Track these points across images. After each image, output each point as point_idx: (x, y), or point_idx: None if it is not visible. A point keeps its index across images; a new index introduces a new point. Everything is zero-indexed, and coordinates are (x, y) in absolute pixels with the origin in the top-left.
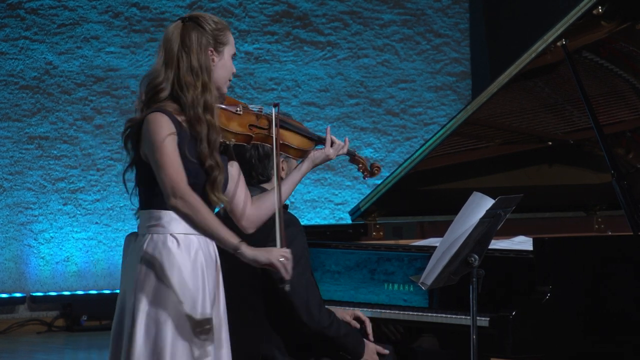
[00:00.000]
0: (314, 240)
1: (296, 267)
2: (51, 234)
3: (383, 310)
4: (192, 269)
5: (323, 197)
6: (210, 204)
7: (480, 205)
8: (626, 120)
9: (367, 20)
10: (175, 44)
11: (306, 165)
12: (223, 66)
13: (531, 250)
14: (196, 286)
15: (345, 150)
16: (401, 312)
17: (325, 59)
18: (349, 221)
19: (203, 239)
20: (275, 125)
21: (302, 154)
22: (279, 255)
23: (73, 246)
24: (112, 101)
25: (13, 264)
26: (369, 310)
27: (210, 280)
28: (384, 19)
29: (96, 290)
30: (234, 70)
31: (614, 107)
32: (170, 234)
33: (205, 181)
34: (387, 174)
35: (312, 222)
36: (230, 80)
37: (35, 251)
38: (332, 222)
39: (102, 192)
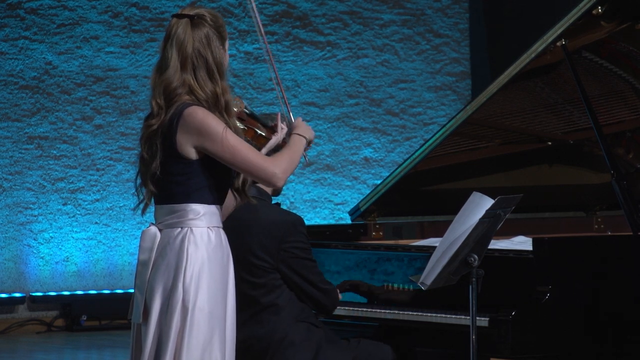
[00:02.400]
0: (314, 240)
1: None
2: (51, 234)
3: (383, 310)
4: (226, 260)
5: (323, 197)
6: (236, 198)
7: (480, 205)
8: (626, 120)
9: (367, 20)
10: (189, 44)
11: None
12: (224, 59)
13: (531, 250)
14: (227, 278)
15: (279, 118)
16: (401, 312)
17: (325, 59)
18: (349, 221)
19: (223, 232)
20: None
21: (265, 142)
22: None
23: (73, 246)
24: (112, 101)
25: (13, 264)
26: (369, 310)
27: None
28: (384, 19)
29: (96, 290)
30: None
31: (613, 107)
32: (208, 227)
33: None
34: (387, 174)
35: (312, 222)
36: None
37: (34, 251)
38: (332, 222)
39: (101, 192)
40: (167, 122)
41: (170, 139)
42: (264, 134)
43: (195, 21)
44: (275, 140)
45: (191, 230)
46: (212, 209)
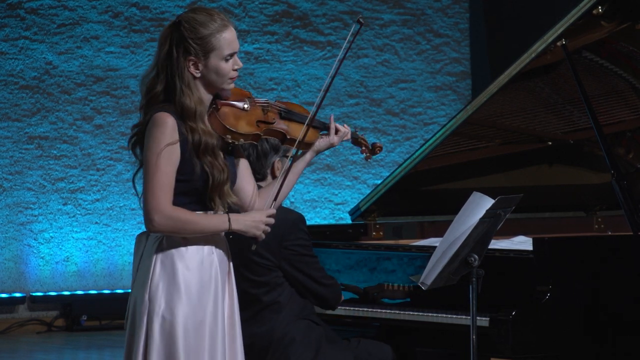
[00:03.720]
0: (314, 240)
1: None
2: (51, 234)
3: (383, 310)
4: (203, 267)
5: (323, 197)
6: (214, 205)
7: (480, 205)
8: (626, 120)
9: (367, 20)
10: (162, 48)
11: (310, 154)
12: (213, 71)
13: (531, 250)
14: (208, 284)
15: (349, 136)
16: (401, 312)
17: (325, 58)
18: (349, 221)
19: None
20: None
21: (307, 147)
22: (265, 224)
23: (73, 246)
24: (112, 101)
25: (13, 264)
26: (369, 310)
27: (221, 276)
28: (384, 19)
29: (96, 290)
30: (232, 73)
31: (614, 107)
32: (183, 237)
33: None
34: (387, 174)
35: (312, 222)
36: (232, 79)
37: (35, 251)
38: (332, 222)
39: (101, 192)
40: (144, 127)
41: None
42: (298, 137)
43: (173, 27)
44: (327, 142)
45: (165, 238)
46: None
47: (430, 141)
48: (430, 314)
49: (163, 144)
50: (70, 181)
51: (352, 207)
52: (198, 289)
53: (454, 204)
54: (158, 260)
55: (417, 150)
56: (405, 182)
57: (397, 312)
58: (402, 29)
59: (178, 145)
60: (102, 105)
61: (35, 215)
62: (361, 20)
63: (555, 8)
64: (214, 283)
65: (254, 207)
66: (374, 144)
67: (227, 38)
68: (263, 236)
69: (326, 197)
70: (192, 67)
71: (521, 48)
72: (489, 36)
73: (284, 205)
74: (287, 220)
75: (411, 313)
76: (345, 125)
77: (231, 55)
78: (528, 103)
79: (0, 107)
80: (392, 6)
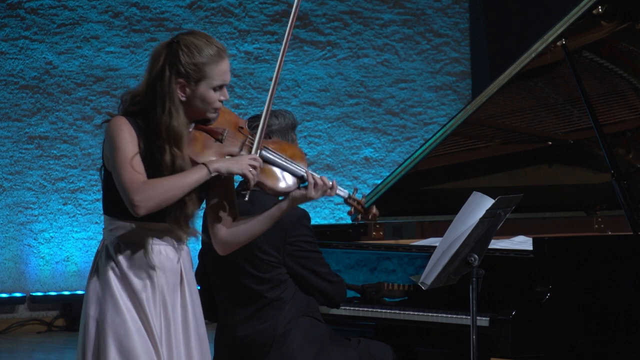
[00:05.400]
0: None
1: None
2: (51, 234)
3: (383, 310)
4: (134, 276)
5: (323, 197)
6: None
7: (480, 205)
8: (626, 120)
9: (367, 20)
10: (154, 64)
11: (286, 203)
12: (198, 98)
13: (531, 250)
14: (143, 291)
15: (332, 192)
16: (401, 312)
17: (325, 58)
18: (349, 221)
19: (164, 247)
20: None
21: (283, 194)
22: (249, 164)
23: (73, 246)
24: (112, 101)
25: (13, 264)
26: (370, 309)
27: (168, 284)
28: (384, 19)
29: None
30: (221, 98)
31: (614, 107)
32: (118, 243)
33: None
34: (387, 174)
35: (312, 222)
36: (217, 109)
37: (35, 251)
38: (332, 221)
39: (102, 192)
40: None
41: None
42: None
43: (171, 47)
44: (302, 194)
45: (103, 243)
46: (120, 224)
47: (430, 141)
48: (430, 314)
49: (125, 136)
50: (71, 181)
51: None
52: (130, 295)
53: (454, 204)
54: (98, 265)
55: (417, 150)
56: (405, 182)
57: (397, 312)
58: (402, 29)
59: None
60: (102, 105)
61: (35, 215)
62: None
63: (555, 8)
64: (153, 290)
65: (222, 237)
66: (371, 212)
67: (221, 69)
68: (252, 175)
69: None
70: (179, 90)
71: (521, 48)
72: (489, 36)
73: None
74: (291, 216)
75: (411, 313)
76: (332, 181)
77: (220, 86)
78: (528, 103)
79: (0, 107)
80: (392, 6)
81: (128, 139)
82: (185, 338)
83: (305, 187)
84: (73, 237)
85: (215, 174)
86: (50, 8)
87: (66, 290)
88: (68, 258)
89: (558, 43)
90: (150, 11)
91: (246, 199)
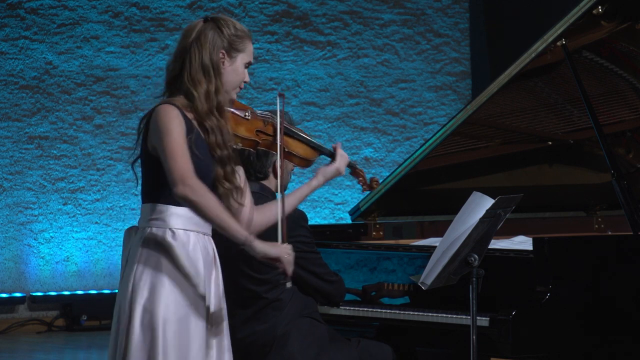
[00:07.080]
0: (314, 240)
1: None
2: (51, 234)
3: (383, 310)
4: (189, 265)
5: (323, 197)
6: (221, 198)
7: (480, 205)
8: (626, 120)
9: (367, 20)
10: (189, 38)
11: (316, 180)
12: (234, 71)
13: (531, 250)
14: (192, 282)
15: (348, 159)
16: (401, 312)
17: (325, 58)
18: (349, 221)
19: (202, 237)
20: (280, 117)
21: (305, 163)
22: (286, 252)
23: (73, 246)
24: (112, 101)
25: (13, 264)
26: (369, 309)
27: (208, 277)
28: (384, 19)
29: (96, 290)
30: (246, 78)
31: (614, 107)
32: (169, 229)
33: (214, 177)
34: (387, 174)
35: (312, 222)
36: (240, 88)
37: (35, 251)
38: (332, 221)
39: (102, 191)
40: (147, 117)
41: (146, 134)
42: (302, 156)
43: (207, 23)
44: (334, 169)
45: (151, 230)
46: (176, 210)
47: (430, 141)
48: (430, 314)
49: (175, 123)
50: (71, 181)
51: (352, 207)
52: (181, 282)
53: (454, 204)
54: (144, 253)
55: (417, 150)
56: (405, 182)
57: (397, 312)
58: (402, 29)
59: (185, 130)
60: (102, 105)
61: (35, 215)
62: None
63: (555, 8)
64: (199, 277)
65: (252, 221)
66: (371, 179)
67: (251, 48)
68: (290, 269)
69: (326, 197)
70: (221, 60)
71: (521, 48)
72: (489, 36)
73: None
74: (289, 217)
75: (411, 313)
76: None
77: (248, 64)
78: (528, 103)
79: (0, 107)
80: (392, 6)
81: (179, 126)
82: (216, 322)
83: (333, 162)
84: (73, 237)
85: (248, 248)
86: (50, 8)
87: (66, 290)
88: (68, 258)
89: (558, 43)
90: (150, 11)
91: (288, 285)
